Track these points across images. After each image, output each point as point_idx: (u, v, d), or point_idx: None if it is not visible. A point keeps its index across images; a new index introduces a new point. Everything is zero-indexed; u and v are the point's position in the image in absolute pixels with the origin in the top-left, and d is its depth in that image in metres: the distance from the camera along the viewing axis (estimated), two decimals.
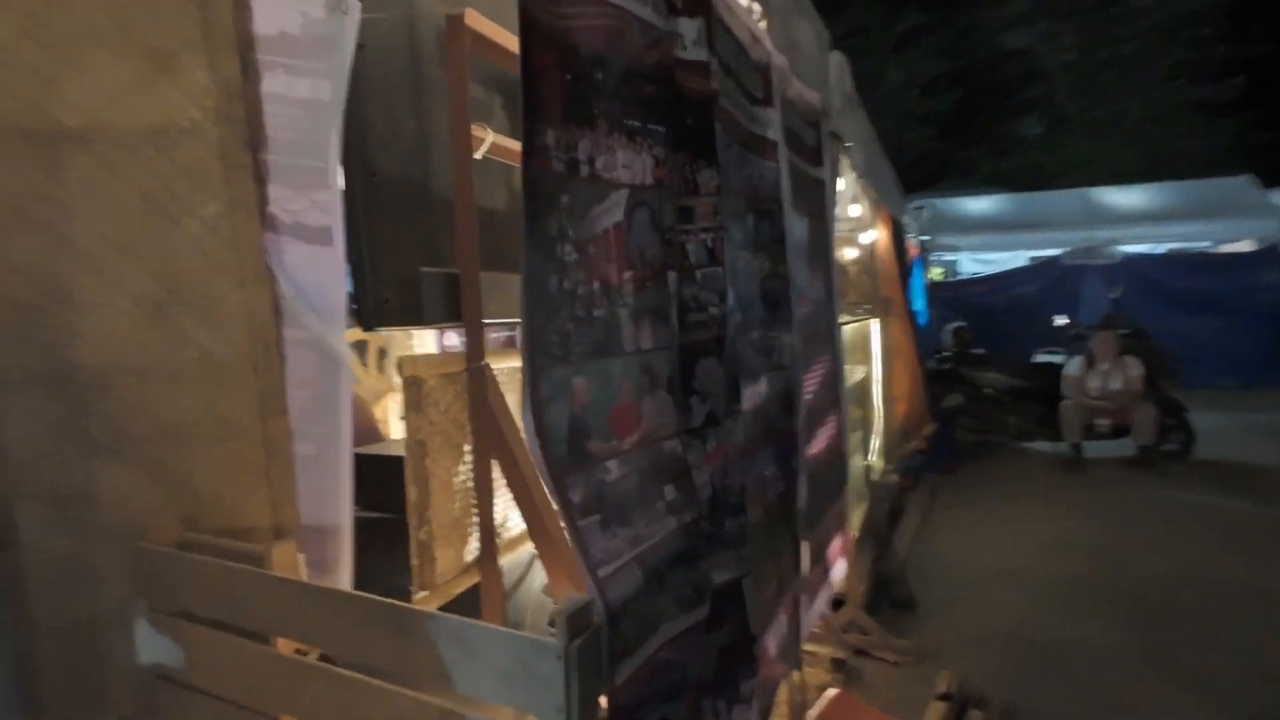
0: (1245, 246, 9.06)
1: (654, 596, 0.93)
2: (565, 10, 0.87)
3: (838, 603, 2.63)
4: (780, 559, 1.57)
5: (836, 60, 2.78)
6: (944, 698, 2.24)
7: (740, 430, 1.23)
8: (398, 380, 3.02)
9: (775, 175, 1.84)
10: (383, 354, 3.21)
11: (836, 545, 2.28)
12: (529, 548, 1.56)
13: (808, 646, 2.47)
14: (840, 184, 3.22)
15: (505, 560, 1.46)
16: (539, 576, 1.63)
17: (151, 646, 1.13)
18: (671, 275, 1.08)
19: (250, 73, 1.20)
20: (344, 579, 1.33)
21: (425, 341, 3.15)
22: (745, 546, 1.18)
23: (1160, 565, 3.47)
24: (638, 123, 1.00)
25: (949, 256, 10.81)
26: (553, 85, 0.87)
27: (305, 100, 1.22)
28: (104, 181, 1.17)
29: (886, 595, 3.02)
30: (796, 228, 2.05)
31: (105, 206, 1.17)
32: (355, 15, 1.22)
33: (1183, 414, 5.44)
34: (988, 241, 10.66)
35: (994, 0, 14.09)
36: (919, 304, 6.98)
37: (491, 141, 1.40)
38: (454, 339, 3.54)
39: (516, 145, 1.54)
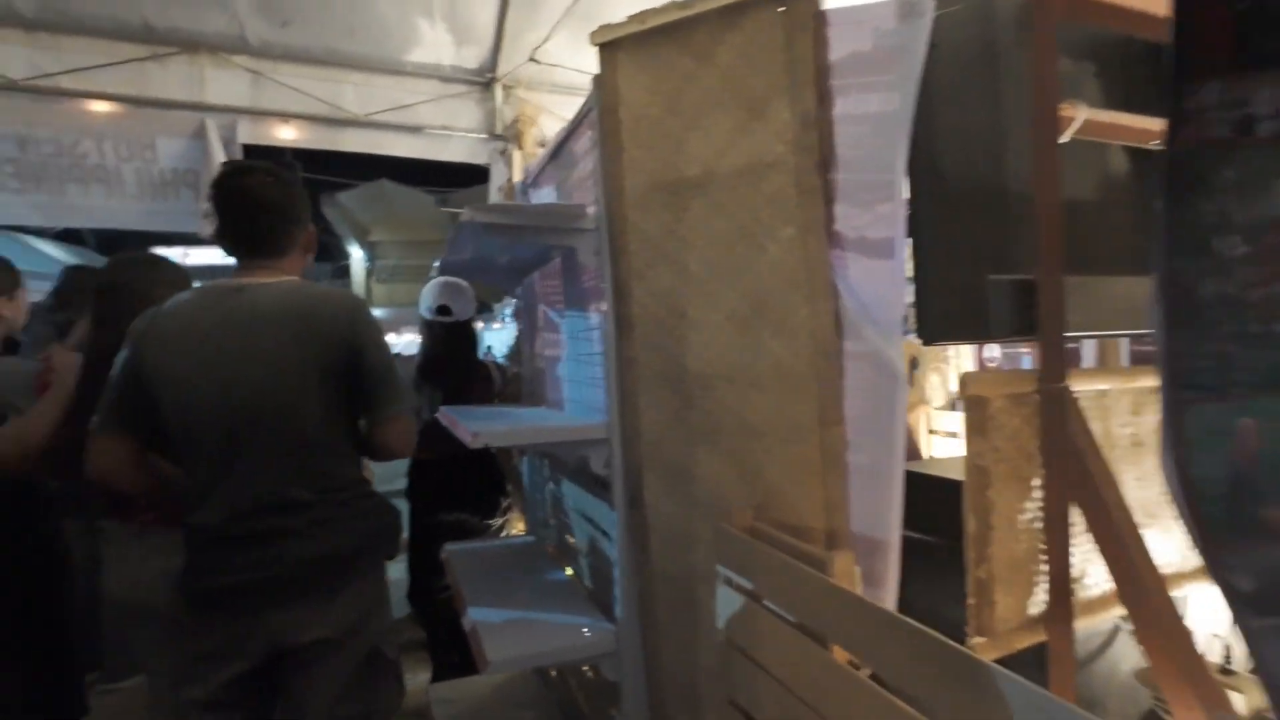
0: None
1: None
2: None
3: None
4: None
5: None
6: None
7: None
8: (931, 394, 2.90)
9: None
10: (914, 364, 3.13)
11: None
12: (1114, 613, 1.26)
13: None
14: None
15: (1080, 623, 1.21)
16: (1127, 654, 1.31)
17: (725, 613, 1.30)
18: None
19: (825, 101, 1.28)
20: (888, 595, 1.30)
21: (960, 355, 2.94)
22: None
23: None
24: None
25: None
26: (1216, 22, 0.65)
27: (873, 115, 1.24)
28: (710, 218, 1.41)
29: None
30: None
31: (710, 238, 1.41)
32: (929, 16, 1.17)
33: None
34: None
35: None
36: None
37: (1084, 119, 1.17)
38: (994, 352, 3.21)
39: (1116, 119, 1.27)
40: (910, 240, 1.26)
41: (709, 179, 1.40)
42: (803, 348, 1.32)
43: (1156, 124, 1.20)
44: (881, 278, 1.26)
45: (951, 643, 0.80)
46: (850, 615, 0.97)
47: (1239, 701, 1.11)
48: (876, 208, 1.24)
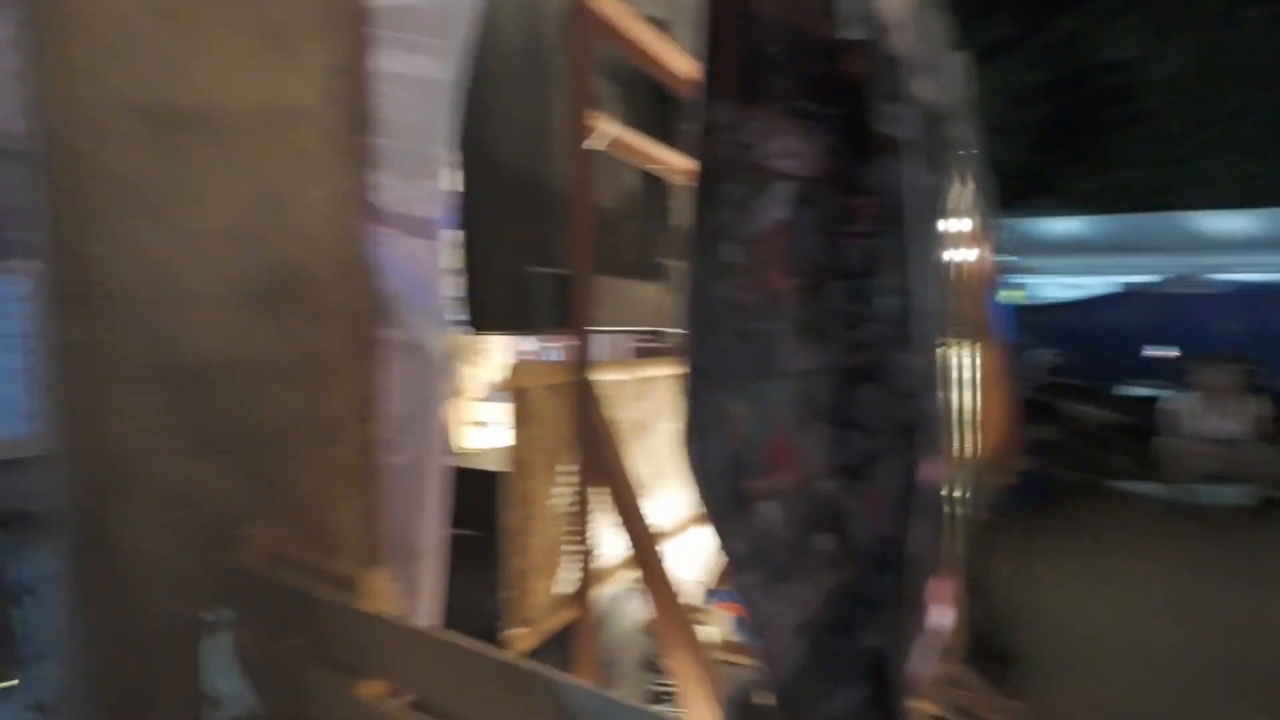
0: None
1: (812, 674, 0.78)
2: None
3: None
4: (903, 616, 1.39)
5: (958, 60, 2.59)
6: None
7: (891, 469, 1.07)
8: (467, 384, 2.94)
9: (899, 179, 1.66)
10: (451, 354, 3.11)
11: (943, 591, 2.08)
12: (620, 579, 1.43)
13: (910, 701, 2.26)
14: (956, 195, 3.01)
15: (602, 590, 1.33)
16: (630, 611, 1.50)
17: (231, 671, 1.04)
18: (834, 285, 0.93)
19: (363, 48, 1.12)
20: (431, 603, 1.23)
21: (494, 345, 3.05)
22: (894, 609, 1.01)
23: None
24: (812, 105, 0.86)
25: (1028, 279, 10.27)
26: (730, 56, 0.74)
27: (422, 80, 1.13)
28: (219, 167, 1.10)
29: (985, 648, 2.77)
30: (919, 241, 1.87)
31: (219, 192, 1.10)
32: None
33: None
34: (1071, 265, 10.13)
35: (1097, 11, 13.42)
36: (1005, 327, 6.63)
37: (613, 135, 1.28)
38: (530, 344, 3.45)
39: (640, 142, 1.43)
40: (461, 225, 1.20)
41: (216, 116, 1.09)
42: (337, 334, 1.14)
43: (673, 155, 1.36)
44: (424, 260, 1.17)
45: (500, 654, 0.75)
46: (385, 642, 0.85)
47: (710, 631, 1.37)
48: (421, 183, 1.14)
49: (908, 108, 1.81)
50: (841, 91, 0.99)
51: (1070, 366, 6.90)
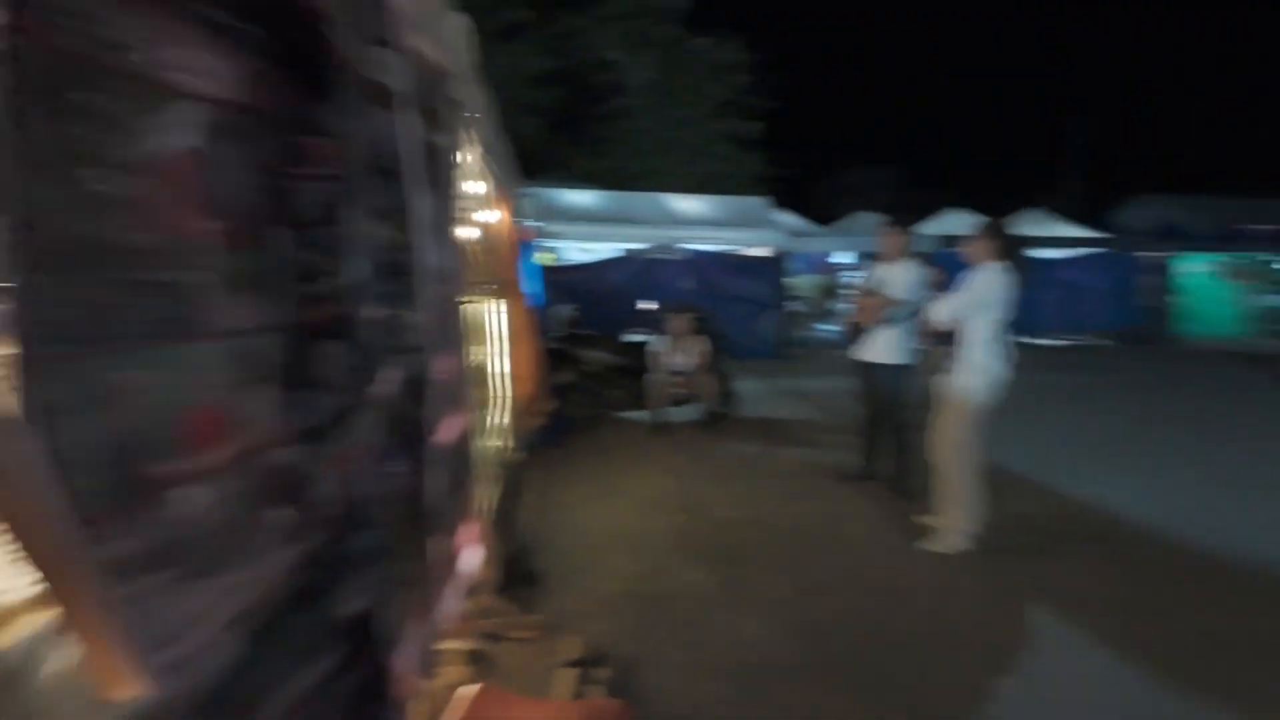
0: (765, 252, 11.94)
1: (264, 660, 0.69)
2: None
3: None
4: (411, 568, 1.41)
5: (460, 22, 2.63)
6: (571, 664, 2.33)
7: (372, 426, 1.03)
8: None
9: (390, 128, 1.62)
10: None
11: (467, 534, 2.19)
12: (32, 620, 1.09)
13: (440, 645, 2.34)
14: (464, 157, 3.10)
15: None
16: (53, 656, 1.15)
17: None
18: (280, 232, 0.82)
19: None
20: None
21: None
22: (379, 566, 0.99)
23: (732, 511, 4.24)
24: (226, 18, 0.73)
25: (552, 243, 11.61)
26: None
27: None
28: None
29: (512, 574, 3.06)
30: (420, 196, 1.87)
31: None
32: None
33: (732, 382, 6.80)
34: (586, 232, 11.83)
35: (594, 14, 15.51)
36: (534, 286, 7.33)
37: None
38: None
39: None
40: None
41: None
42: None
43: None
44: None
45: None
46: None
47: None
48: None
49: (400, 59, 1.75)
50: (282, 15, 0.87)
51: (585, 319, 8.07)
